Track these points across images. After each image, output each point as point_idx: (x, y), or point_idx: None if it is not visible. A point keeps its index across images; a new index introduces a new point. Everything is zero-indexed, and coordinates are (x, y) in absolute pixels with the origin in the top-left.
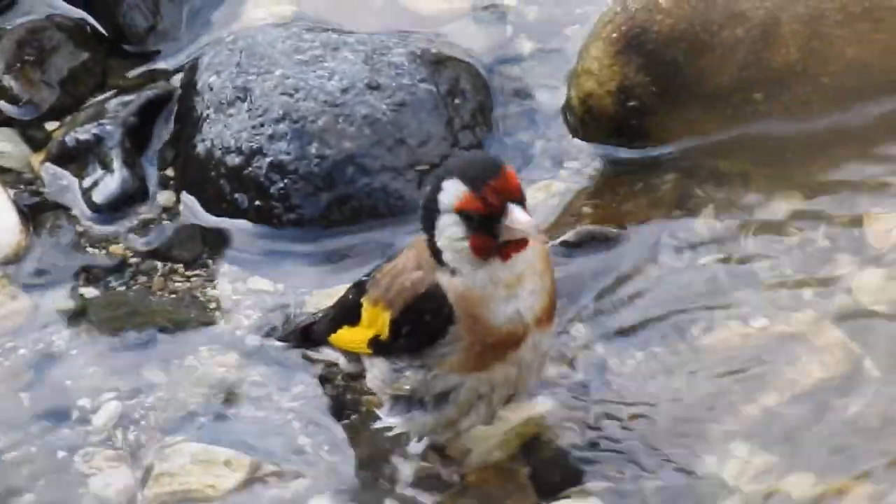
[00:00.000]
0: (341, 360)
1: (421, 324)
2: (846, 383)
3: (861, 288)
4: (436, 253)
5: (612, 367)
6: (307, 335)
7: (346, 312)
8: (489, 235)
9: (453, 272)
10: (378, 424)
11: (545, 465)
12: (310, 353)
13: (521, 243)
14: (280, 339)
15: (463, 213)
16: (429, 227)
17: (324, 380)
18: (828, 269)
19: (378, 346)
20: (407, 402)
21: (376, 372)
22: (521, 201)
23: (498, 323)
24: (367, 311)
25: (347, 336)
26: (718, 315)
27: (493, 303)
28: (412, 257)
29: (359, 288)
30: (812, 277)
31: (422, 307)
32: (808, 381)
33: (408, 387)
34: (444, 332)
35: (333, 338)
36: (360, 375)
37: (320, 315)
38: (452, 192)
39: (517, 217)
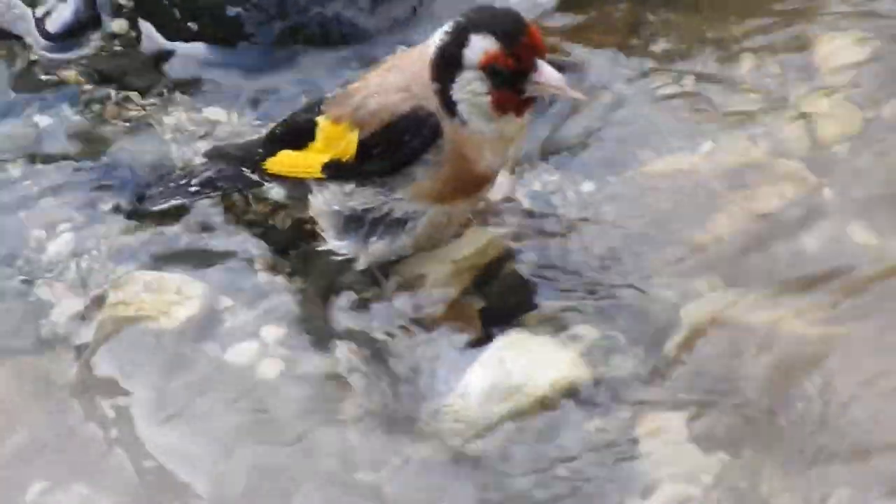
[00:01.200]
0: (274, 191)
1: (398, 144)
2: (801, 211)
3: (813, 114)
4: (447, 103)
5: (563, 194)
6: (238, 163)
7: (291, 135)
8: (513, 91)
9: (463, 122)
10: (324, 247)
11: (498, 296)
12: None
13: (534, 100)
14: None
15: (490, 69)
16: (444, 78)
17: (274, 209)
18: (779, 95)
19: (336, 169)
20: (359, 225)
21: (326, 195)
22: (544, 57)
23: (481, 167)
24: (324, 130)
25: (291, 160)
26: (670, 142)
27: (487, 150)
28: (394, 80)
29: (311, 109)
30: (765, 104)
31: (403, 126)
32: (761, 206)
33: (361, 206)
34: (420, 158)
35: (270, 162)
36: (297, 203)
37: (244, 144)
38: (480, 47)
39: (549, 73)
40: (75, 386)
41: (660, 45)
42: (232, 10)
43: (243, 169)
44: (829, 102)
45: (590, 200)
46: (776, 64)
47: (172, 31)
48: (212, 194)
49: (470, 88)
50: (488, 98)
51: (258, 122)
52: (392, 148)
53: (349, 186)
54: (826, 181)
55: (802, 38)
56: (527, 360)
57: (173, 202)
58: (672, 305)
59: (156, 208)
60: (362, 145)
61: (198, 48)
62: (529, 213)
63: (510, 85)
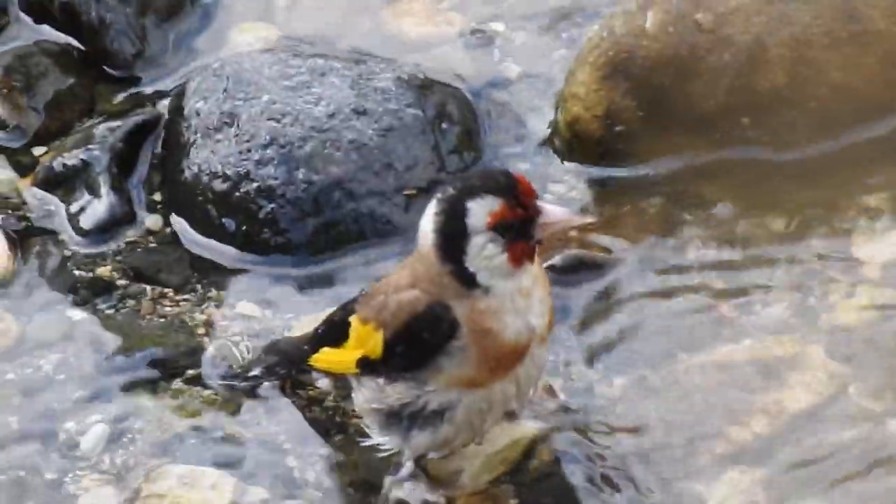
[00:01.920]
0: (323, 382)
1: (418, 342)
2: (833, 407)
3: (851, 311)
4: (465, 279)
5: (599, 390)
6: (287, 358)
7: (330, 333)
8: (525, 240)
9: (486, 290)
10: (368, 442)
11: (531, 490)
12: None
13: (540, 243)
14: (258, 375)
15: (499, 227)
16: (454, 256)
17: (312, 402)
18: (818, 294)
19: (368, 366)
20: (398, 420)
21: (365, 392)
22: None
23: (509, 335)
24: (356, 330)
25: (330, 357)
26: (706, 339)
27: (508, 315)
28: (405, 276)
29: (346, 308)
30: (801, 303)
31: (420, 325)
32: (796, 406)
33: (398, 402)
34: (444, 349)
35: (314, 359)
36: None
37: (293, 341)
38: (483, 209)
39: (554, 211)
40: None
41: (694, 242)
42: (267, 207)
43: (294, 364)
44: (868, 300)
45: (624, 395)
46: (817, 262)
47: (207, 229)
48: (270, 379)
49: (485, 254)
50: (505, 256)
51: (290, 317)
52: (415, 346)
53: (382, 381)
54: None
55: (843, 239)
56: None
57: (233, 383)
58: (709, 499)
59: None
60: (387, 345)
61: (231, 249)
62: (564, 407)
63: (521, 235)
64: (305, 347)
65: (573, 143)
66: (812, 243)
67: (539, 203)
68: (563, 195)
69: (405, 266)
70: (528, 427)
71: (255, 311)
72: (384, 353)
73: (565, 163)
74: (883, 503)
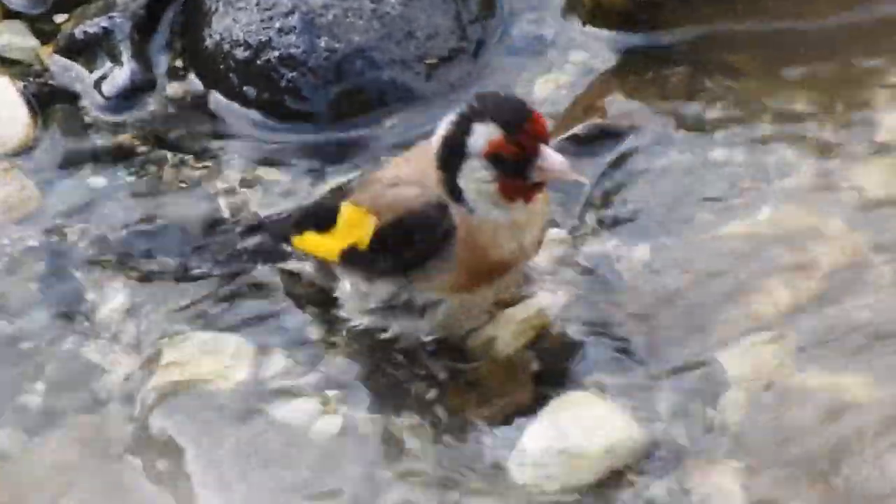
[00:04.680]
0: (307, 267)
1: (408, 240)
2: (856, 276)
3: (870, 184)
4: (453, 191)
5: (621, 260)
6: (272, 235)
7: (317, 215)
8: (519, 177)
9: (471, 210)
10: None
11: (551, 359)
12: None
13: (542, 185)
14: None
15: (494, 157)
16: (450, 166)
17: None
18: (836, 163)
19: (351, 258)
20: (378, 311)
21: (348, 282)
22: (548, 142)
23: (499, 255)
24: (346, 214)
25: (315, 242)
26: (728, 208)
27: (501, 238)
28: (411, 171)
29: (336, 192)
30: (822, 171)
31: (414, 224)
32: (818, 275)
33: (379, 298)
34: (435, 253)
35: (298, 240)
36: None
37: (283, 214)
38: (484, 135)
39: (552, 158)
40: (130, 446)
41: (716, 111)
42: (289, 75)
43: (279, 243)
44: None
45: (646, 263)
46: (835, 132)
47: (229, 95)
48: (248, 266)
49: (476, 177)
50: (495, 186)
51: (310, 182)
52: (404, 244)
53: (366, 274)
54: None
55: (864, 109)
56: (583, 423)
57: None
58: (729, 368)
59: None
60: (377, 235)
61: (253, 112)
62: (586, 275)
63: (515, 172)
64: (289, 227)
65: (595, 12)
66: (835, 115)
67: (542, 147)
68: (584, 62)
69: (410, 159)
70: (548, 297)
71: (277, 176)
72: (371, 244)
73: (587, 27)
74: None
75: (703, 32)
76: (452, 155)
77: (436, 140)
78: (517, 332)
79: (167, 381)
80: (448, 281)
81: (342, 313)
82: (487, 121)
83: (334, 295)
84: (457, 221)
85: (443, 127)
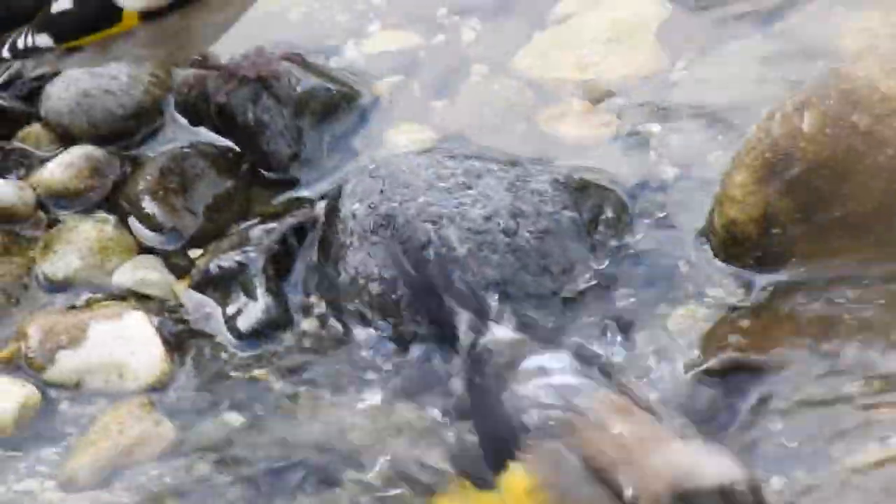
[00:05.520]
0: None
1: None
2: None
3: None
4: None
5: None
6: None
7: None
8: None
9: None
10: None
11: None
12: None
13: None
14: None
15: None
16: None
17: None
18: None
19: None
20: None
21: None
22: None
23: None
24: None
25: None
26: (862, 440)
27: None
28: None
29: None
30: None
31: None
32: None
33: None
34: None
35: None
36: None
37: None
38: None
39: None
40: None
41: (852, 346)
42: None
43: None
44: None
45: (781, 496)
46: None
47: (364, 327)
48: None
49: None
50: None
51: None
52: None
53: None
54: None
55: None
56: None
57: None
58: None
59: None
60: None
61: (388, 344)
62: None
63: None
64: None
65: (728, 244)
66: None
67: None
68: (720, 299)
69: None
70: None
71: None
72: None
73: (720, 263)
74: None
75: (838, 267)
76: None
77: None
78: None
79: None
80: None
81: None
82: None
83: None
84: None
85: None
